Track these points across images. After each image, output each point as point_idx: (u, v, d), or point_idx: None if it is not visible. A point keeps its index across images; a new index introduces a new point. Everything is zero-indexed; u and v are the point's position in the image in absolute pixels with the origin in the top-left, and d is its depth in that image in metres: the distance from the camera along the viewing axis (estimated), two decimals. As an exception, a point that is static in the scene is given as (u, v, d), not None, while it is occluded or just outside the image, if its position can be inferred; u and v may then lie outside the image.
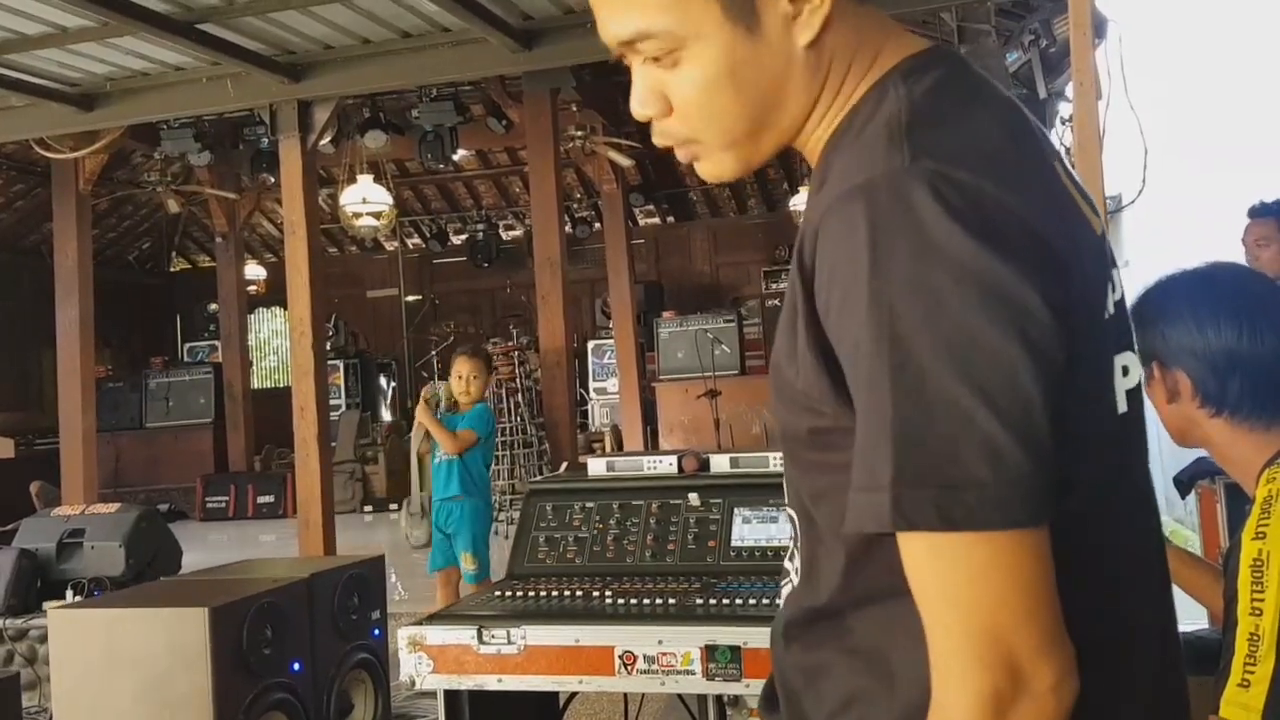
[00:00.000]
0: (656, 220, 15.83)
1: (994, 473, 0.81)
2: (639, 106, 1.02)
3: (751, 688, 2.38)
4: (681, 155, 1.05)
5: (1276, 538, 1.55)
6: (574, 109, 10.07)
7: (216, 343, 14.92)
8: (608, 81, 10.95)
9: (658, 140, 1.04)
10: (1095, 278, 0.94)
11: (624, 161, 11.06)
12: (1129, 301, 1.08)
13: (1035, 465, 0.81)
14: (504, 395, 10.38)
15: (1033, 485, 0.82)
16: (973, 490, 0.81)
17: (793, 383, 0.94)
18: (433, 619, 2.66)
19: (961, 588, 0.83)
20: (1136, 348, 1.03)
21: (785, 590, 1.09)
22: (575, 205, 14.79)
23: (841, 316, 0.87)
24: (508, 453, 10.13)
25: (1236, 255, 4.41)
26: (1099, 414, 0.93)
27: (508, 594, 2.80)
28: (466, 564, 5.57)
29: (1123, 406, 0.96)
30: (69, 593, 4.49)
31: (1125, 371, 0.97)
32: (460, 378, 5.69)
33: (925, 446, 0.82)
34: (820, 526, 0.99)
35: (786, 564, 1.11)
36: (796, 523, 1.05)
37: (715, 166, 1.04)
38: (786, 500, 1.08)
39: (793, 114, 1.00)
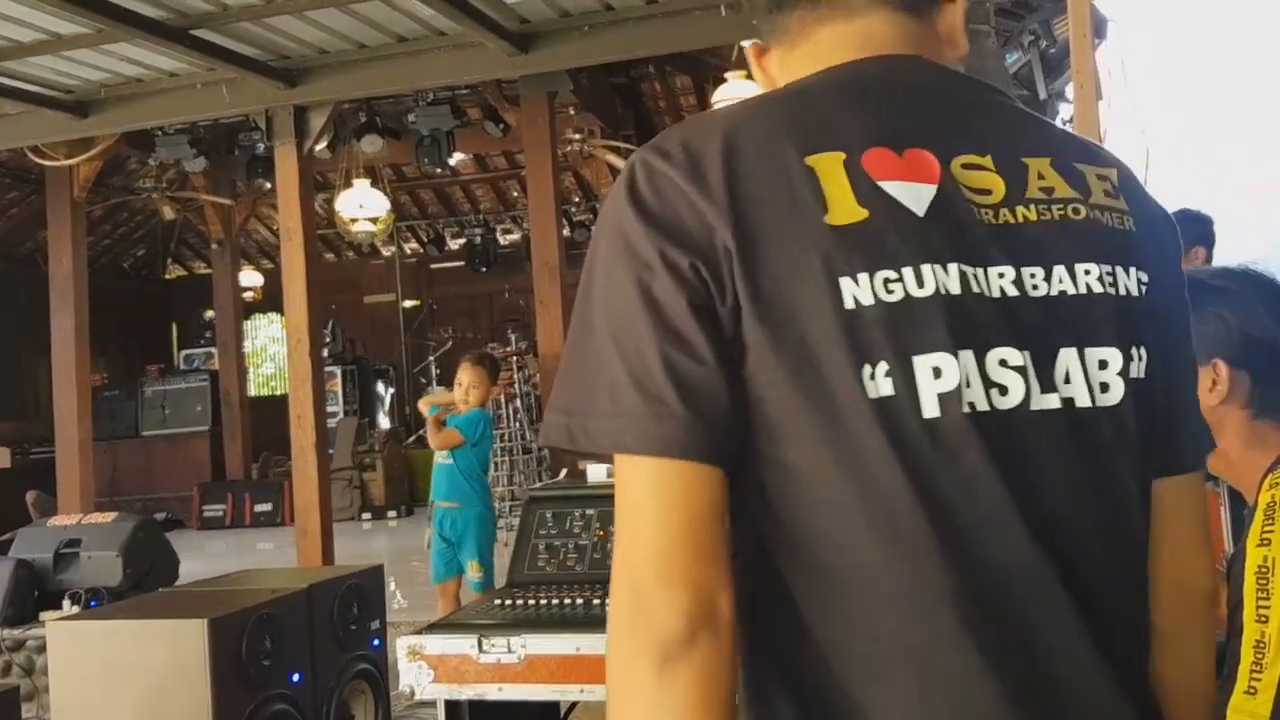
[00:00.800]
0: (653, 224, 15.84)
1: (612, 405, 0.93)
2: None
3: (756, 696, 2.36)
4: None
5: None
6: (571, 112, 10.06)
7: (213, 350, 14.88)
8: (605, 85, 10.94)
9: None
10: (836, 264, 0.93)
11: (622, 164, 11.05)
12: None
13: (646, 405, 0.91)
14: (503, 401, 10.37)
15: (643, 423, 0.92)
16: (592, 418, 0.94)
17: None
18: (433, 628, 2.65)
19: (619, 507, 0.95)
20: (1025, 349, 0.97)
21: None
22: (573, 209, 14.77)
23: None
24: (506, 459, 10.11)
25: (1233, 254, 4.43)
26: (829, 405, 0.92)
27: (508, 602, 2.78)
28: (474, 572, 5.58)
29: (931, 411, 0.92)
30: (66, 603, 4.46)
31: (938, 373, 0.93)
32: (460, 385, 5.70)
33: (573, 380, 0.97)
34: None
35: None
36: None
37: None
38: None
39: None
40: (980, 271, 0.96)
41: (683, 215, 0.94)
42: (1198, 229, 4.09)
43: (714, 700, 0.90)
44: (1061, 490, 0.97)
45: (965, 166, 1.00)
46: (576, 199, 14.88)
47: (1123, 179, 1.08)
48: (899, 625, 0.93)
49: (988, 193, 0.99)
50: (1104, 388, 0.99)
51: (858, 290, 0.93)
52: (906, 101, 1.04)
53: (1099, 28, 4.63)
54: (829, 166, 0.96)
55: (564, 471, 4.03)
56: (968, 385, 0.93)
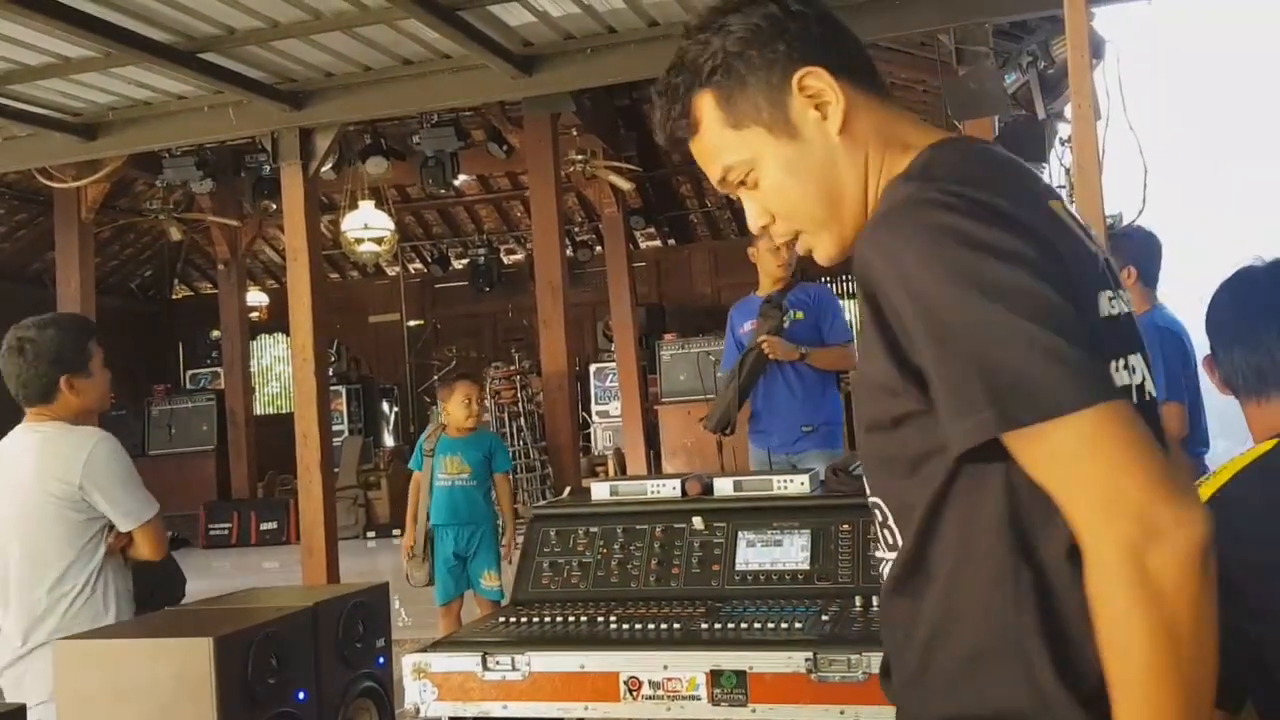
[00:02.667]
0: (657, 243, 15.86)
1: (1060, 369, 1.05)
2: (754, 221, 1.39)
3: (758, 713, 2.37)
4: (799, 248, 1.39)
5: None
6: (574, 133, 10.11)
7: (219, 369, 14.93)
8: (608, 106, 10.99)
9: (778, 239, 1.41)
10: (1085, 279, 1.20)
11: (624, 185, 11.09)
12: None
13: (1085, 353, 1.06)
14: (506, 419, 10.39)
15: (1090, 369, 1.06)
16: (1039, 391, 1.04)
17: (875, 378, 1.21)
18: (437, 646, 2.66)
19: (1083, 463, 1.04)
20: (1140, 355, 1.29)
21: (887, 568, 1.32)
22: (576, 229, 14.83)
23: (899, 309, 1.13)
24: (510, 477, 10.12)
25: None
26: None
27: (512, 620, 2.79)
28: (492, 581, 5.66)
29: (1135, 398, 1.21)
30: (72, 622, 4.48)
31: (1133, 370, 1.23)
32: (469, 400, 5.79)
33: (1005, 367, 1.06)
34: (909, 496, 1.24)
35: (882, 553, 1.34)
36: (884, 507, 1.30)
37: (821, 248, 1.36)
38: (871, 493, 1.33)
39: (854, 191, 1.31)
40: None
41: (1011, 220, 1.12)
42: (1133, 248, 4.06)
43: None
44: None
45: (1063, 209, 1.28)
46: (579, 219, 14.93)
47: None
48: None
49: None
50: (1150, 384, 1.28)
51: (1104, 303, 1.22)
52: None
53: (1097, 48, 4.66)
54: (1061, 209, 1.25)
55: (567, 490, 4.05)
56: (1139, 380, 1.23)
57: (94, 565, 3.17)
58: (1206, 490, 1.64)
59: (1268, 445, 1.68)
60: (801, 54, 1.30)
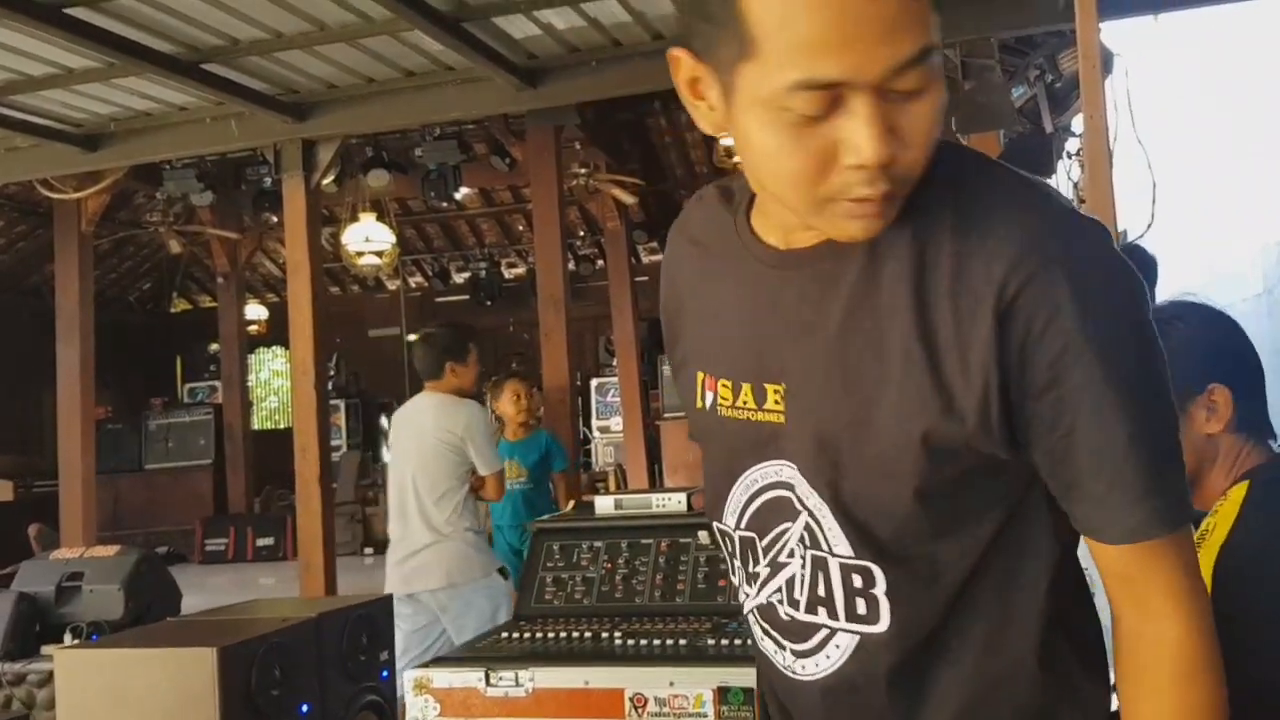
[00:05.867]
0: (660, 257, 15.84)
1: (1184, 477, 1.08)
2: (885, 146, 0.95)
3: (766, 730, 2.33)
4: (879, 210, 1.00)
5: None
6: (577, 147, 10.11)
7: (217, 383, 14.89)
8: (611, 119, 10.98)
9: (877, 189, 0.98)
10: None
11: (627, 199, 11.08)
12: None
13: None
14: (506, 434, 10.34)
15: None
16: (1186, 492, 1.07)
17: (952, 434, 1.04)
18: (439, 661, 2.62)
19: (1194, 579, 1.07)
20: None
21: (848, 640, 1.16)
22: (578, 243, 14.81)
23: (1070, 356, 0.99)
24: (510, 492, 10.08)
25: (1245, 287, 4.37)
26: None
27: (515, 635, 2.76)
28: None
29: None
30: (68, 636, 4.43)
31: None
32: (518, 396, 5.94)
33: (1175, 460, 1.06)
34: (942, 559, 1.12)
35: (834, 621, 1.17)
36: (878, 573, 1.13)
37: (888, 217, 1.03)
38: (854, 554, 1.14)
39: None
40: None
41: None
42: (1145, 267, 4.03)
43: None
44: None
45: None
46: (582, 233, 14.91)
47: None
48: None
49: None
50: None
51: None
52: None
53: (1105, 62, 4.66)
54: None
55: (571, 503, 4.02)
56: None
57: (461, 494, 4.60)
58: (1208, 554, 1.55)
59: (1243, 489, 1.61)
60: None
